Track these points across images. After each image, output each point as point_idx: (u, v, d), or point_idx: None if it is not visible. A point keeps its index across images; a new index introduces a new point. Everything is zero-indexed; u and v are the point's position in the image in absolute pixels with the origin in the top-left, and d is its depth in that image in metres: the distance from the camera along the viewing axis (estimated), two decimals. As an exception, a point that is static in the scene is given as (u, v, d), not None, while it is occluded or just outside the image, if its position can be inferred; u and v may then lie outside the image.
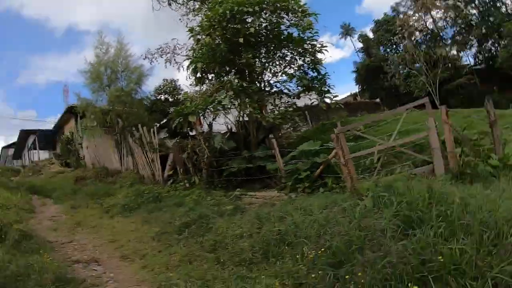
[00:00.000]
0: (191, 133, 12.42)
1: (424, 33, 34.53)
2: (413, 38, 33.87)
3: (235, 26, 9.50)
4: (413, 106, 8.06)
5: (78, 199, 11.86)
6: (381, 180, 5.45)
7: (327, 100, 11.50)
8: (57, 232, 8.13)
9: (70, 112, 21.37)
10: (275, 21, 10.54)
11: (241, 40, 9.31)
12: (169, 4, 13.62)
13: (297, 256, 3.80)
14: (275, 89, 11.62)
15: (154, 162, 11.92)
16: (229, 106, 9.50)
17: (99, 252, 6.36)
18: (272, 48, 11.00)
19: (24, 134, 32.16)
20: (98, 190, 12.09)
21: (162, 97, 16.25)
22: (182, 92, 15.07)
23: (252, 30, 9.55)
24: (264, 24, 10.40)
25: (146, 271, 4.99)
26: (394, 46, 37.79)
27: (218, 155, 10.08)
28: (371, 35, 40.31)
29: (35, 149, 30.77)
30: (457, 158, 6.53)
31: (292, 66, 11.47)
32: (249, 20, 10.06)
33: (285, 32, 10.87)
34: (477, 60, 35.32)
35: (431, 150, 6.76)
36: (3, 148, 43.68)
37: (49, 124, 29.92)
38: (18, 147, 36.44)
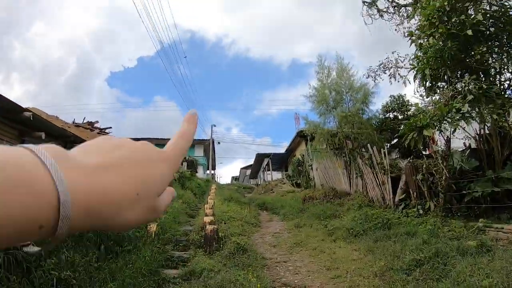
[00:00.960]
0: (424, 152, 10.92)
1: None
2: None
3: (458, 18, 7.82)
4: None
5: (303, 218, 12.05)
6: None
7: None
8: (275, 249, 8.38)
9: (300, 136, 23.35)
10: (499, 4, 8.08)
11: (469, 32, 7.50)
12: (381, 16, 12.78)
13: None
14: None
15: (385, 184, 11.12)
16: (469, 115, 7.71)
17: (312, 279, 6.02)
18: (505, 39, 8.45)
19: (260, 157, 37.87)
20: (324, 211, 11.98)
21: (391, 115, 15.22)
22: (413, 107, 13.63)
23: (479, 17, 7.60)
24: (488, 12, 8.14)
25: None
26: None
27: (457, 176, 8.34)
28: None
29: (268, 170, 35.15)
30: None
31: None
32: (471, 8, 8.12)
33: None
34: None
35: None
36: (242, 168, 53.34)
37: (282, 148, 33.87)
38: (254, 168, 43.36)
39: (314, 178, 19.26)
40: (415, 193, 9.39)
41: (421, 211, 8.67)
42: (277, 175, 33.67)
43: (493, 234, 6.23)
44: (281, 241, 9.22)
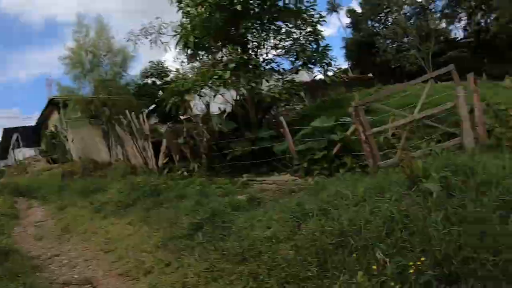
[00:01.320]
0: (182, 117, 11.51)
1: (413, 6, 33.77)
2: (402, 12, 33.53)
3: None
4: (435, 75, 7.57)
5: (65, 197, 10.91)
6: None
7: (330, 73, 10.94)
8: (42, 242, 7.13)
9: (53, 104, 19.95)
10: None
11: (239, 7, 8.34)
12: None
13: (373, 267, 2.76)
14: (272, 64, 10.85)
15: (146, 150, 11.00)
16: (230, 82, 8.55)
17: (92, 268, 5.24)
18: (266, 20, 10.13)
19: (8, 133, 30.40)
20: (87, 186, 11.08)
21: (149, 81, 15.25)
22: (173, 73, 14.11)
23: None
24: None
25: (157, 295, 3.84)
26: (383, 20, 37.02)
27: (217, 138, 9.21)
28: (359, 9, 39.32)
29: (19, 147, 29.20)
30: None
31: (288, 39, 10.67)
32: None
33: (280, 3, 10.01)
34: (466, 33, 34.81)
35: (461, 122, 6.07)
36: (-13, 150, 41.40)
37: (34, 120, 28.34)
38: (3, 147, 34.43)
39: (71, 151, 17.59)
40: (177, 156, 9.75)
41: (185, 173, 9.11)
42: (30, 151, 27.80)
43: (258, 186, 7.16)
44: (47, 231, 8.00)
